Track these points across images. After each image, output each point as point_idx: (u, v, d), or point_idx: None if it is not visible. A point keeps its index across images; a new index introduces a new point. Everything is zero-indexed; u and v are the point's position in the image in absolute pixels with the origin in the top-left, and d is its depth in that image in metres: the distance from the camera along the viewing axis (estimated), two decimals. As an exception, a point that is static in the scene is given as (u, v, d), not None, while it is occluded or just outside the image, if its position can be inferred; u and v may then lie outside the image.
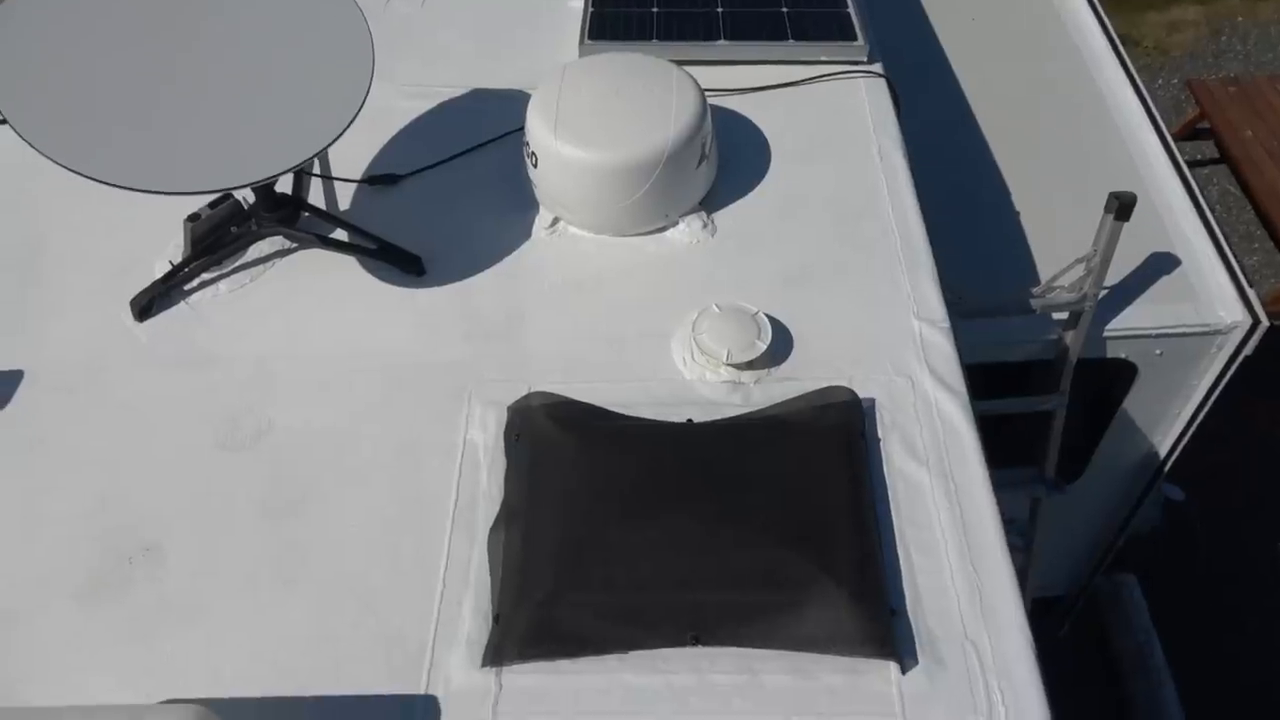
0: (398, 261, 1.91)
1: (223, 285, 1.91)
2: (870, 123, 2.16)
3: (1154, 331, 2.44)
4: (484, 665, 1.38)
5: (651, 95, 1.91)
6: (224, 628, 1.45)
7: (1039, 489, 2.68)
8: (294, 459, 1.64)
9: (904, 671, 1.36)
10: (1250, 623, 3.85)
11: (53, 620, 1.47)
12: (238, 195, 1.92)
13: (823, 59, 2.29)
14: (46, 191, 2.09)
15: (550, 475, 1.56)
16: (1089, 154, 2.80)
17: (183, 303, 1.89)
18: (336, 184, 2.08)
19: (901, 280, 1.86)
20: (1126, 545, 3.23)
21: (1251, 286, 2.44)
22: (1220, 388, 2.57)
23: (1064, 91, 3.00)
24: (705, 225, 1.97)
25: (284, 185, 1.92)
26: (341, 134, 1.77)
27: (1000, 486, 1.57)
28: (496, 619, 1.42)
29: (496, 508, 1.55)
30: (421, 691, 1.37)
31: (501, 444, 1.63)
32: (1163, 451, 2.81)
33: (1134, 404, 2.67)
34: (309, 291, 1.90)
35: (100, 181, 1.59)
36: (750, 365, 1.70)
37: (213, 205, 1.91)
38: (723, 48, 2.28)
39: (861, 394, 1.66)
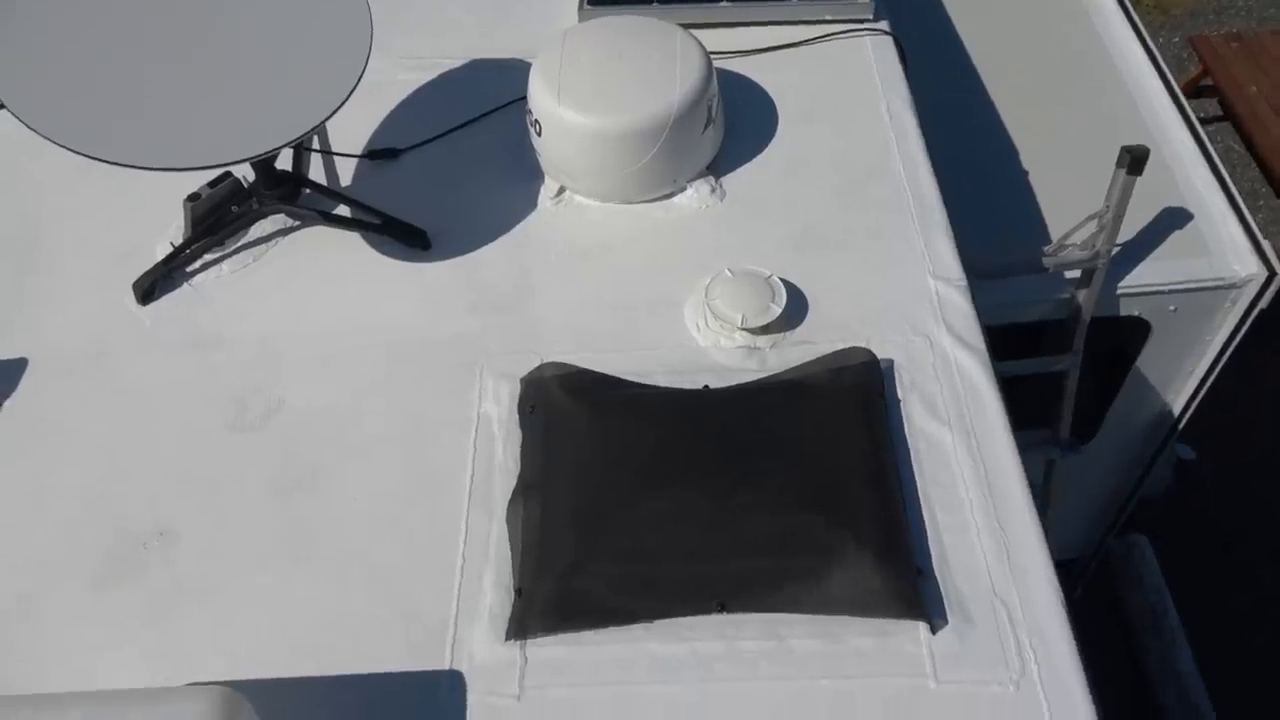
0: (402, 236, 1.88)
1: (225, 265, 1.88)
2: (878, 81, 2.12)
3: (1167, 287, 2.41)
4: (508, 639, 1.36)
5: (655, 58, 1.87)
6: (241, 608, 1.43)
7: (1054, 451, 2.66)
8: (304, 438, 1.62)
9: (933, 631, 1.34)
10: (1264, 580, 3.84)
11: (69, 605, 1.45)
12: (237, 173, 1.88)
13: (827, 18, 2.24)
14: (44, 177, 2.06)
15: (567, 446, 1.54)
16: (1096, 110, 2.75)
17: (186, 284, 1.86)
18: (337, 160, 2.05)
19: (915, 239, 1.83)
20: (1138, 506, 3.22)
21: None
22: (1235, 343, 2.54)
23: (1069, 47, 2.94)
24: (714, 190, 1.93)
25: (284, 162, 1.89)
26: (340, 107, 1.73)
27: None
28: (519, 592, 1.40)
29: (513, 481, 1.53)
30: (446, 667, 1.35)
31: (515, 417, 1.61)
32: (1176, 409, 2.79)
33: (1147, 362, 2.64)
34: (313, 269, 1.87)
35: (98, 159, 1.56)
36: (765, 330, 1.67)
37: (212, 185, 1.88)
38: (725, 9, 2.24)
39: (879, 355, 1.63)
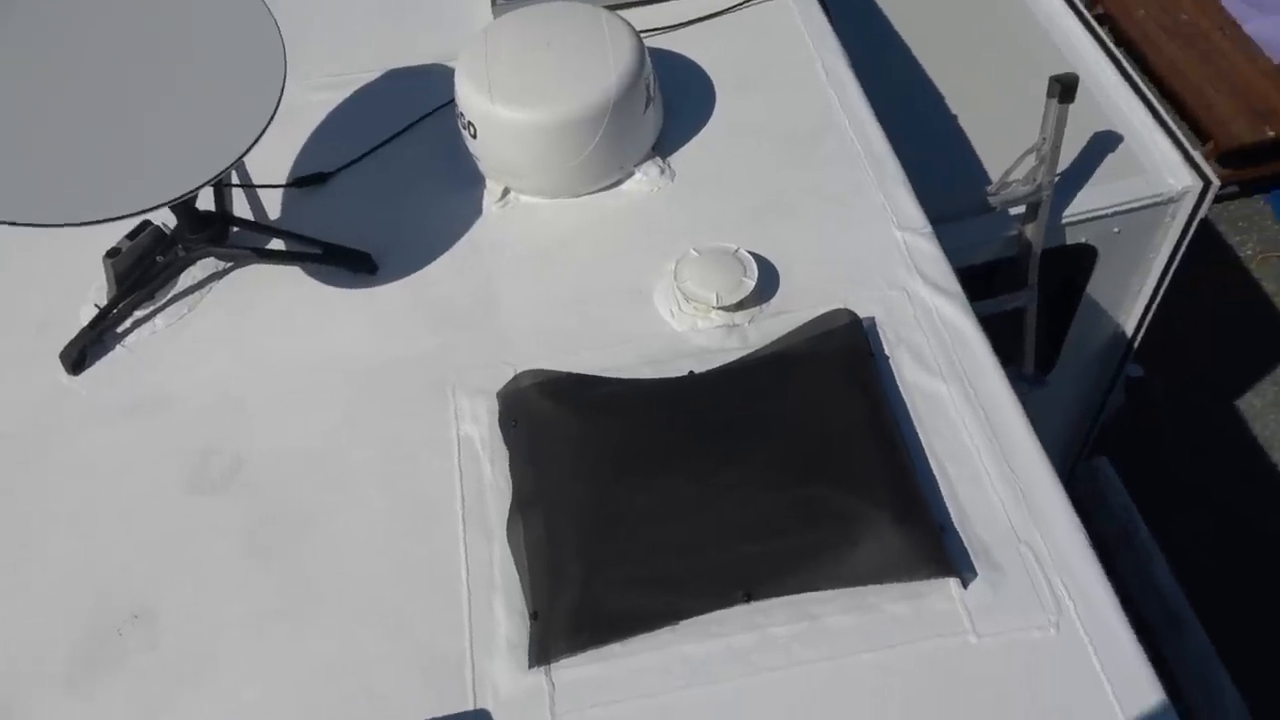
0: (346, 262, 1.78)
1: (159, 320, 1.76)
2: (809, 41, 2.09)
3: (1109, 210, 2.44)
4: (531, 666, 1.29)
5: (584, 44, 1.80)
6: (242, 682, 1.33)
7: (1022, 386, 2.66)
8: (275, 488, 1.51)
9: (965, 586, 1.31)
10: (1216, 494, 3.95)
11: (46, 711, 1.33)
12: (156, 220, 1.76)
13: (748, -16, 2.20)
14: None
15: (558, 455, 1.47)
16: (1013, 47, 2.77)
17: (119, 346, 1.73)
18: (261, 192, 1.93)
19: (874, 193, 1.80)
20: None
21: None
22: (1178, 258, 2.59)
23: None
24: (663, 171, 1.88)
25: (205, 202, 1.76)
26: (260, 138, 1.62)
27: None
28: (534, 615, 1.33)
29: (507, 500, 1.45)
30: (471, 706, 1.27)
31: (498, 433, 1.53)
32: (1129, 330, 2.84)
33: (1097, 286, 2.68)
34: (255, 310, 1.76)
35: None
36: (741, 305, 1.62)
37: (131, 236, 1.75)
38: (641, -14, 2.18)
39: (860, 314, 1.59)
